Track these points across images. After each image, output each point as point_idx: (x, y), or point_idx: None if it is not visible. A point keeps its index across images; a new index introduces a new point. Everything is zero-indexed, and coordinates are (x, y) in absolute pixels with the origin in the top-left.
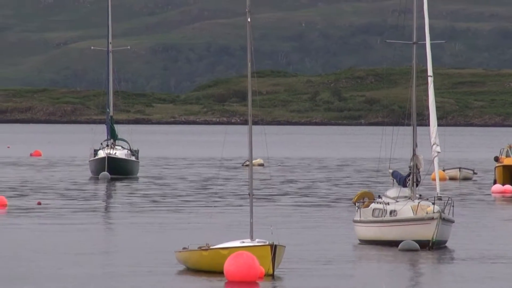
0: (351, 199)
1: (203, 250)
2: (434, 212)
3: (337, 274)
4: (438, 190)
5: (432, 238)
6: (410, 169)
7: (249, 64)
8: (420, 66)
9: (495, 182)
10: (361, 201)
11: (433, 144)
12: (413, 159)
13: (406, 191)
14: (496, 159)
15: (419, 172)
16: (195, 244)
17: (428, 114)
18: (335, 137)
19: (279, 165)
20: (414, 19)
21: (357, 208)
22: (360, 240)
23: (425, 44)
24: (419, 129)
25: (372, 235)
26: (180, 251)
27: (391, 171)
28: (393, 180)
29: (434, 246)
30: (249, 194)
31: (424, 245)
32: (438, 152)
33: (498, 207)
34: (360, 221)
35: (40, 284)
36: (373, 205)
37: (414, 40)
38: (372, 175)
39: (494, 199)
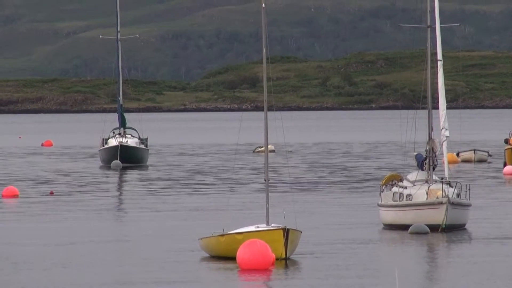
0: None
1: (219, 236)
2: (442, 197)
3: (351, 260)
4: (447, 175)
5: (442, 223)
6: (426, 153)
7: (264, 50)
8: (431, 49)
9: (505, 165)
10: (390, 184)
11: (442, 128)
12: (429, 143)
13: (425, 175)
14: (506, 141)
15: (435, 156)
16: (219, 232)
17: (438, 98)
18: (347, 122)
19: (290, 151)
20: (428, 2)
21: (380, 192)
22: (383, 224)
23: (435, 28)
24: (433, 113)
25: (390, 219)
26: (202, 239)
27: (415, 153)
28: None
29: (446, 230)
30: (265, 180)
31: (437, 229)
32: (447, 137)
33: (510, 188)
34: (381, 205)
35: (55, 271)
36: (394, 189)
37: (428, 23)
38: (397, 158)
39: (505, 181)
